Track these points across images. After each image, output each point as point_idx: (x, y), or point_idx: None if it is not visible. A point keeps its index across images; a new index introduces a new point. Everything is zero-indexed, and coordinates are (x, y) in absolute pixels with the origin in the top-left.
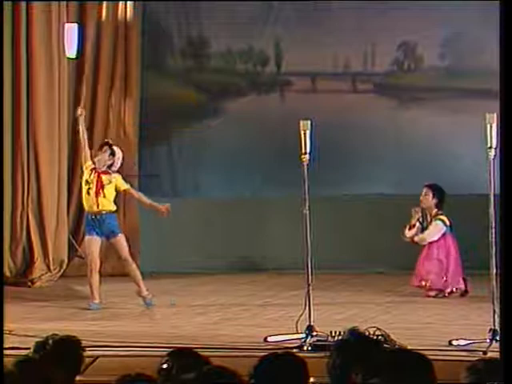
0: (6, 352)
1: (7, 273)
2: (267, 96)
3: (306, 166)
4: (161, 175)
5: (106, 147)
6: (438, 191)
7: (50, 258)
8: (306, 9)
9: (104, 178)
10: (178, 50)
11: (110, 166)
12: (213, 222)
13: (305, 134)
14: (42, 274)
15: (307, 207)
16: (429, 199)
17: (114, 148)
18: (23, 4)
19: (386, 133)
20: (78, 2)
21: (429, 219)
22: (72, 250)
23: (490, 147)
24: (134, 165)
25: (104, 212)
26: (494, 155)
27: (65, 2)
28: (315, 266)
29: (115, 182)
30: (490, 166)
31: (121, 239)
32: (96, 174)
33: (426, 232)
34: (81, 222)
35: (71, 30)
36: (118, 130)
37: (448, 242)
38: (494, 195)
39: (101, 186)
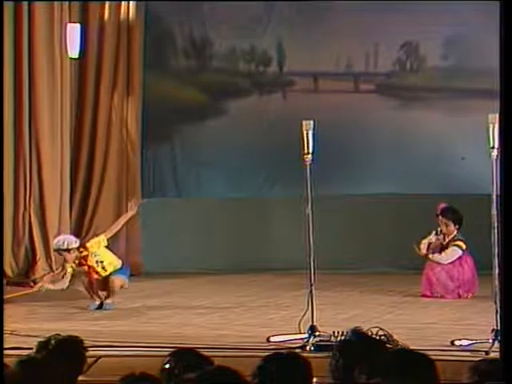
0: (9, 352)
1: (9, 273)
2: (270, 96)
3: (308, 166)
4: (163, 175)
5: (64, 253)
6: (457, 218)
7: (53, 258)
8: (308, 9)
9: (90, 260)
10: (180, 50)
11: (81, 256)
12: (215, 222)
13: (307, 133)
14: (45, 274)
15: (310, 207)
16: (451, 229)
17: (64, 249)
18: (25, 4)
19: (389, 133)
20: (80, 2)
21: (447, 240)
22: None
23: (493, 147)
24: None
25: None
26: (497, 155)
27: (67, 2)
28: (318, 266)
29: (95, 250)
30: (493, 166)
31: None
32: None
33: (444, 255)
34: (83, 221)
35: (73, 30)
36: (120, 130)
37: (463, 261)
38: (497, 195)
39: (94, 271)
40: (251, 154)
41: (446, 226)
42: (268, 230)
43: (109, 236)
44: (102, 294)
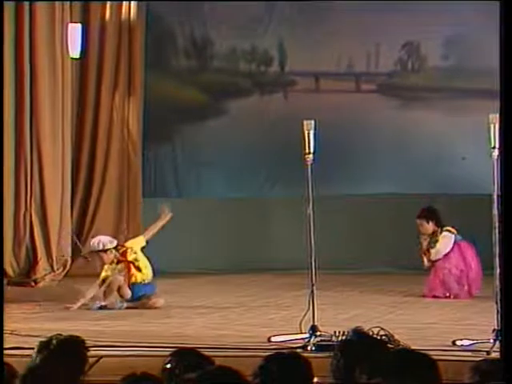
0: (10, 352)
1: (10, 272)
2: (271, 96)
3: (309, 166)
4: (164, 175)
5: (101, 254)
6: (429, 215)
7: (54, 258)
8: (309, 9)
9: (129, 255)
10: (181, 50)
11: (120, 253)
12: (216, 222)
13: (308, 133)
14: (46, 274)
15: (311, 207)
16: (427, 227)
17: (100, 249)
18: (26, 4)
19: (390, 133)
20: (81, 2)
21: (428, 239)
22: (76, 250)
23: (494, 147)
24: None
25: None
26: (498, 155)
27: (68, 2)
28: (319, 265)
29: (134, 247)
30: (494, 166)
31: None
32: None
33: (437, 245)
34: (84, 221)
35: (75, 30)
36: (121, 130)
37: (462, 249)
38: (498, 195)
39: (134, 266)
40: (252, 154)
41: (421, 226)
42: (268, 230)
43: (147, 238)
44: (117, 296)
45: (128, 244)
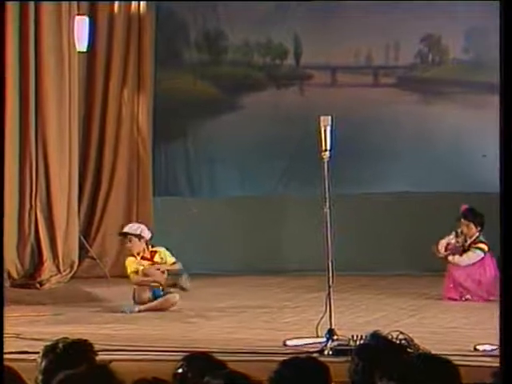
0: (14, 356)
1: (14, 274)
2: (286, 90)
3: (326, 164)
4: (176, 173)
5: (134, 239)
6: (478, 220)
7: (60, 259)
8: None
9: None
10: (193, 43)
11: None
12: (229, 222)
13: (325, 130)
14: (52, 276)
15: (328, 206)
16: (472, 230)
17: (136, 234)
18: None
19: (409, 129)
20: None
21: (468, 241)
22: (83, 250)
23: None
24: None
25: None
26: None
27: None
28: (336, 267)
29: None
30: None
31: None
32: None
33: (465, 257)
34: (92, 221)
35: (82, 23)
36: (131, 127)
37: (485, 262)
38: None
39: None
40: (266, 151)
41: (467, 227)
42: (283, 229)
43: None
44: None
45: (160, 248)
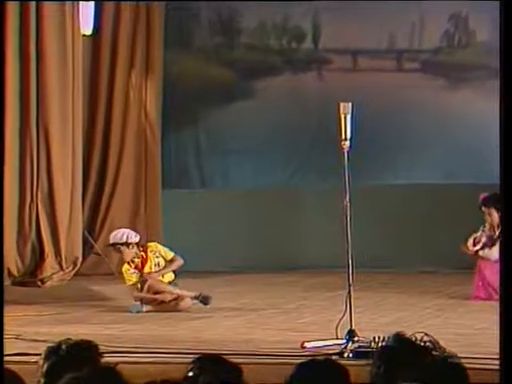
0: (14, 359)
1: (14, 272)
2: (304, 75)
3: (346, 154)
4: (186, 164)
5: (123, 248)
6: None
7: (63, 256)
8: None
9: (149, 258)
10: (205, 25)
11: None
12: (243, 216)
13: (345, 117)
14: (54, 273)
15: (348, 199)
16: (495, 216)
17: (123, 243)
18: None
19: (434, 116)
20: None
21: (497, 232)
22: (87, 246)
23: None
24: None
25: None
26: None
27: None
28: (356, 264)
29: (157, 250)
30: None
31: None
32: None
33: (494, 250)
34: (97, 215)
35: (87, 5)
36: (138, 114)
37: None
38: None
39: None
40: (283, 140)
41: (490, 215)
42: (300, 223)
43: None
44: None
45: (149, 244)
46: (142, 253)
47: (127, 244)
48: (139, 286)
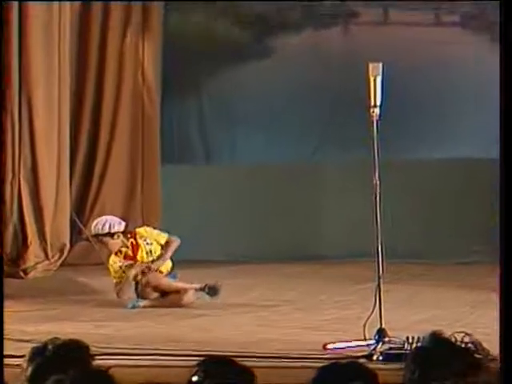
0: None
1: None
2: (327, 31)
3: (375, 123)
4: (189, 136)
5: (106, 239)
6: None
7: (48, 242)
8: None
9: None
10: None
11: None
12: (253, 196)
13: (375, 80)
14: (38, 263)
15: (377, 176)
16: None
17: (105, 233)
18: None
19: (476, 79)
20: None
21: None
22: (75, 231)
23: None
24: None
25: None
26: None
27: None
28: (385, 253)
29: (146, 236)
30: None
31: None
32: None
33: None
34: (86, 194)
35: None
36: (134, 76)
37: None
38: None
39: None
40: (300, 108)
41: None
42: (321, 205)
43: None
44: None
45: (138, 229)
46: (132, 239)
47: (111, 234)
48: (133, 277)
